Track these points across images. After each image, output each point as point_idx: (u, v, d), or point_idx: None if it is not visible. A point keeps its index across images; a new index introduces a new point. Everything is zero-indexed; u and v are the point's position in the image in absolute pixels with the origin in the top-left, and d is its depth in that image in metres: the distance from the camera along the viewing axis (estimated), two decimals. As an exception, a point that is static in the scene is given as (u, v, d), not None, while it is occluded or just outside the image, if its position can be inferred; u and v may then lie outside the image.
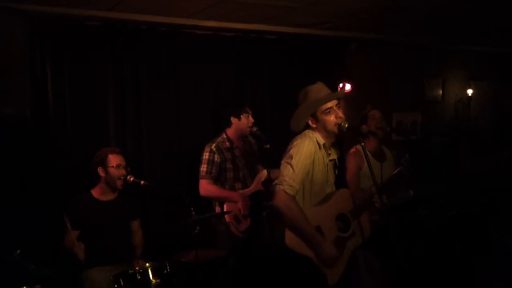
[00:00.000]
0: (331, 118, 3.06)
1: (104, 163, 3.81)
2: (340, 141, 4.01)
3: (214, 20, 4.68)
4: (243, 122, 4.21)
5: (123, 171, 3.84)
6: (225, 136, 4.25)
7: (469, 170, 5.61)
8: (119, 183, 3.83)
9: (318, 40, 5.44)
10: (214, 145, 4.17)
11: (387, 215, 3.93)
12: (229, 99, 4.80)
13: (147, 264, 3.48)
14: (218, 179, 4.18)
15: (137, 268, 3.44)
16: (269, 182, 3.80)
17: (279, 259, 3.13)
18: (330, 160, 3.18)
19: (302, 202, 3.07)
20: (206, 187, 4.13)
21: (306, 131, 3.16)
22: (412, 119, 6.39)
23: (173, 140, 4.77)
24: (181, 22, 4.59)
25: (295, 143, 3.07)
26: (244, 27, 4.91)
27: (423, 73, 6.51)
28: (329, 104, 3.07)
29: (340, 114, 3.08)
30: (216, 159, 4.13)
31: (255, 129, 4.19)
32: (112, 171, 3.80)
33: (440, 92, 6.69)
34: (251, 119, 4.23)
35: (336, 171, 3.26)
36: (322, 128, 3.10)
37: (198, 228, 3.55)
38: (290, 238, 2.94)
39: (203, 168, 4.14)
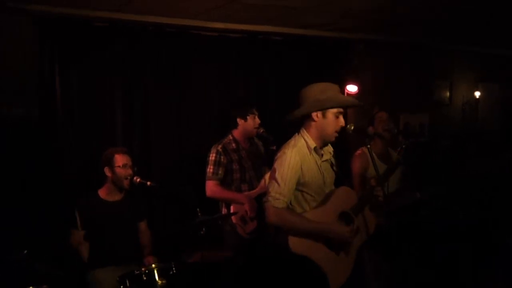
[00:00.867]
0: (337, 122, 3.02)
1: (110, 163, 3.81)
2: (345, 143, 4.00)
3: (220, 21, 4.69)
4: (249, 123, 4.21)
5: (129, 171, 3.84)
6: (231, 137, 4.25)
7: (475, 171, 5.58)
8: (125, 183, 3.82)
9: (324, 42, 5.43)
10: (220, 146, 4.17)
11: (392, 216, 3.93)
12: (236, 100, 4.80)
13: (153, 265, 3.48)
14: (224, 180, 4.18)
15: (143, 268, 3.45)
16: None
17: (284, 261, 3.12)
18: (324, 161, 3.14)
19: (303, 207, 3.05)
20: (212, 189, 4.13)
21: (293, 138, 3.09)
22: (419, 121, 6.37)
23: (180, 140, 4.79)
24: (187, 23, 4.61)
25: (278, 154, 3.02)
26: (250, 29, 4.92)
27: (431, 75, 6.48)
28: (342, 109, 3.06)
29: (343, 122, 3.06)
30: (222, 160, 4.13)
31: (261, 131, 4.19)
32: (119, 171, 3.80)
33: (448, 94, 6.67)
34: (257, 120, 4.22)
35: (334, 168, 3.23)
36: (321, 127, 3.02)
37: (204, 229, 3.55)
38: (294, 244, 2.92)
39: (210, 169, 4.14)
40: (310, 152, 3.03)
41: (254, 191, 4.17)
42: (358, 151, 4.32)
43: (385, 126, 4.29)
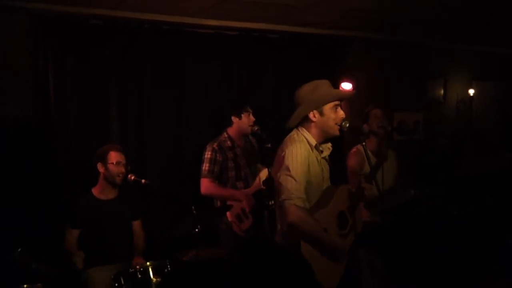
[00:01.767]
0: (336, 115, 3.02)
1: (104, 159, 3.80)
2: (340, 140, 4.00)
3: (217, 19, 4.68)
4: (244, 121, 4.21)
5: (122, 169, 3.82)
6: (226, 135, 4.25)
7: (473, 170, 5.60)
8: (118, 179, 3.81)
9: (319, 39, 5.43)
10: (216, 144, 4.17)
11: (388, 215, 3.94)
12: (230, 98, 4.80)
13: (148, 263, 3.48)
14: (219, 178, 4.17)
15: (138, 267, 3.44)
16: (270, 181, 3.79)
17: (278, 258, 3.11)
18: (323, 158, 3.13)
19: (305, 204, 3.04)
20: (207, 186, 4.12)
21: (293, 133, 3.07)
22: (414, 119, 6.38)
23: (175, 139, 4.77)
24: (184, 21, 4.59)
25: (286, 151, 2.94)
26: (247, 26, 4.91)
27: (425, 73, 6.49)
28: (337, 101, 3.05)
29: (343, 113, 3.05)
30: (218, 158, 4.12)
31: (256, 128, 4.19)
32: (111, 167, 3.79)
33: (442, 91, 6.68)
34: (252, 118, 4.22)
35: (329, 165, 3.21)
36: (321, 124, 3.01)
37: (199, 227, 3.55)
38: (306, 249, 2.87)
39: (205, 167, 4.13)
40: (312, 150, 3.02)
41: (250, 188, 4.17)
42: (354, 149, 4.33)
43: (379, 124, 4.29)
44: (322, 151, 3.09)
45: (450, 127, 6.70)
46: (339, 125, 3.02)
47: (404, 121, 6.25)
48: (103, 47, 4.43)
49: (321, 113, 3.01)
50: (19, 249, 3.11)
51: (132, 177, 3.83)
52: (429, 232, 4.62)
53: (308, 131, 3.05)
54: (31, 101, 4.19)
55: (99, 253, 3.71)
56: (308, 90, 3.04)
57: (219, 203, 4.20)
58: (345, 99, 3.11)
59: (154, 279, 3.41)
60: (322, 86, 3.05)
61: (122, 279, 3.35)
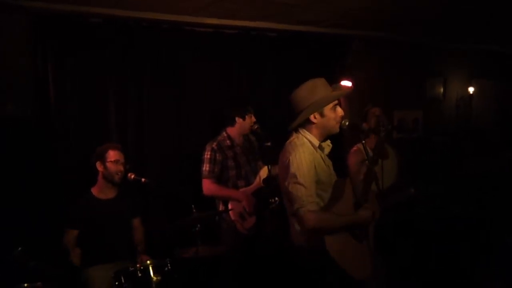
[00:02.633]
0: (336, 114, 3.01)
1: (103, 158, 3.81)
2: (340, 139, 4.00)
3: (216, 17, 4.67)
4: (247, 122, 4.23)
5: (121, 168, 3.83)
6: (225, 135, 4.25)
7: (473, 170, 5.60)
8: (116, 178, 3.82)
9: (319, 38, 5.43)
10: (215, 143, 4.17)
11: (388, 213, 3.94)
12: (234, 98, 4.75)
13: (148, 262, 3.48)
14: (220, 177, 4.18)
15: (138, 265, 3.44)
16: (270, 179, 3.80)
17: (282, 256, 3.11)
18: (326, 155, 3.13)
19: (318, 204, 2.98)
20: (209, 187, 4.13)
21: (294, 138, 3.04)
22: (413, 117, 6.39)
23: (175, 138, 4.77)
24: (183, 20, 4.59)
25: (290, 158, 2.90)
26: (246, 25, 4.90)
27: (425, 71, 6.49)
28: (336, 101, 3.04)
29: (342, 111, 3.05)
30: (218, 157, 4.13)
31: (256, 127, 4.20)
32: (110, 166, 3.80)
33: (442, 90, 6.68)
34: (253, 119, 4.24)
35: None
36: (322, 124, 3.01)
37: (199, 225, 3.55)
38: (330, 244, 2.82)
39: (206, 167, 4.13)
40: (316, 150, 3.02)
41: (251, 187, 4.17)
42: (354, 148, 4.34)
43: (378, 122, 4.30)
44: (323, 149, 3.10)
45: (450, 125, 6.70)
46: (338, 123, 3.02)
47: (403, 119, 6.25)
48: (103, 47, 4.42)
49: (322, 114, 3.00)
50: (19, 249, 3.12)
51: (132, 176, 3.84)
52: (429, 232, 4.62)
53: (310, 132, 3.04)
54: (31, 101, 4.18)
55: (99, 252, 3.72)
56: (307, 91, 3.03)
57: (221, 204, 4.20)
58: (343, 96, 3.10)
59: (154, 278, 3.40)
60: (320, 87, 3.04)
61: (122, 277, 3.35)
